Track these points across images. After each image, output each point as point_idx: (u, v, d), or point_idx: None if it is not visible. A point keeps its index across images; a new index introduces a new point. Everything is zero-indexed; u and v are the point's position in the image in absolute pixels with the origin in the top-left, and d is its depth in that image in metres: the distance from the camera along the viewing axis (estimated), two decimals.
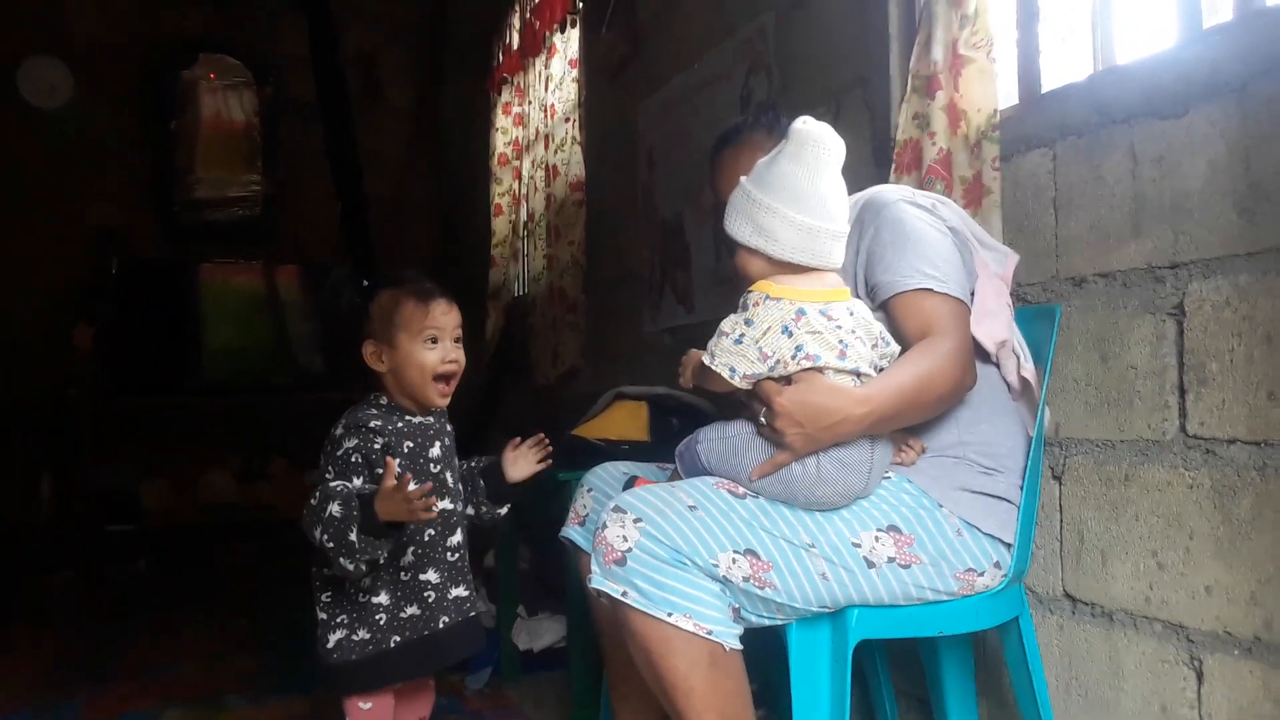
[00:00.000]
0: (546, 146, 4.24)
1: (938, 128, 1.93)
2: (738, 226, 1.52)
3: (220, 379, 5.78)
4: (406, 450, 1.67)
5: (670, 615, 1.38)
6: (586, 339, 3.98)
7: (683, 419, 2.47)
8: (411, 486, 1.51)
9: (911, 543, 1.47)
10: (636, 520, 1.42)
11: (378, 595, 1.65)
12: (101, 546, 5.01)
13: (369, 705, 1.69)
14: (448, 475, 1.75)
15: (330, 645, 1.65)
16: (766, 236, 1.48)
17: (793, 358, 1.42)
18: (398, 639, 1.65)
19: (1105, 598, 1.71)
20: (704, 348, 1.51)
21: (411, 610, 1.66)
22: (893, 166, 2.04)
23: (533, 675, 2.93)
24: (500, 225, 4.99)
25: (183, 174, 5.99)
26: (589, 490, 1.87)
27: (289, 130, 6.03)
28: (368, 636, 1.65)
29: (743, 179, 1.54)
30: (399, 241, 5.85)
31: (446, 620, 1.69)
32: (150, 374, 5.61)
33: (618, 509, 1.43)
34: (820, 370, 1.43)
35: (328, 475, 1.62)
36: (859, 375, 1.45)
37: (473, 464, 1.85)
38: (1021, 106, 1.96)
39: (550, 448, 1.84)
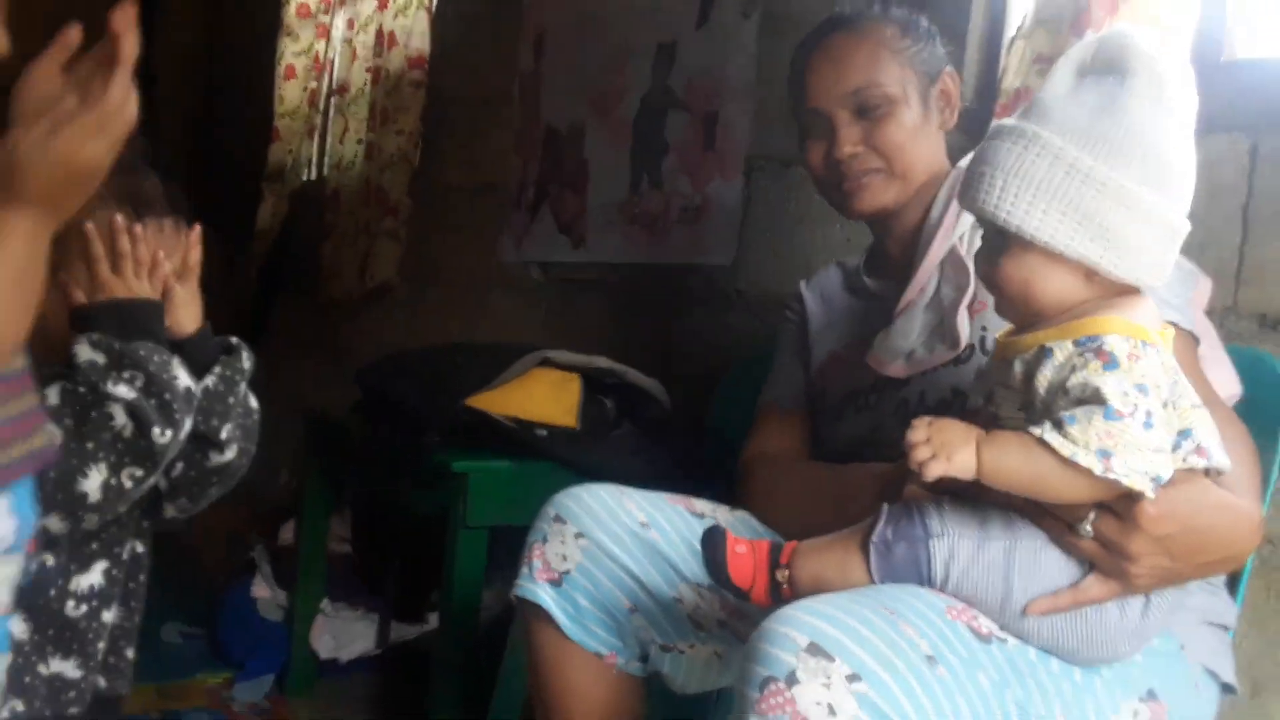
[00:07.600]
0: (383, 6, 3.40)
1: None
2: (1051, 221, 0.88)
3: None
4: None
5: None
6: (408, 253, 3.25)
7: (620, 402, 1.87)
8: None
9: (1163, 714, 0.98)
10: (852, 677, 0.82)
11: None
12: None
13: None
14: None
15: None
16: (1111, 242, 0.88)
17: (1176, 448, 0.87)
18: None
19: None
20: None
21: None
22: None
23: (331, 680, 2.26)
24: (291, 91, 4.03)
25: None
26: (577, 535, 1.22)
27: None
28: None
29: (1045, 134, 0.89)
30: (147, 95, 4.66)
31: None
32: None
33: (817, 649, 0.82)
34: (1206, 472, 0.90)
35: None
36: (1218, 474, 0.93)
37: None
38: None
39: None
